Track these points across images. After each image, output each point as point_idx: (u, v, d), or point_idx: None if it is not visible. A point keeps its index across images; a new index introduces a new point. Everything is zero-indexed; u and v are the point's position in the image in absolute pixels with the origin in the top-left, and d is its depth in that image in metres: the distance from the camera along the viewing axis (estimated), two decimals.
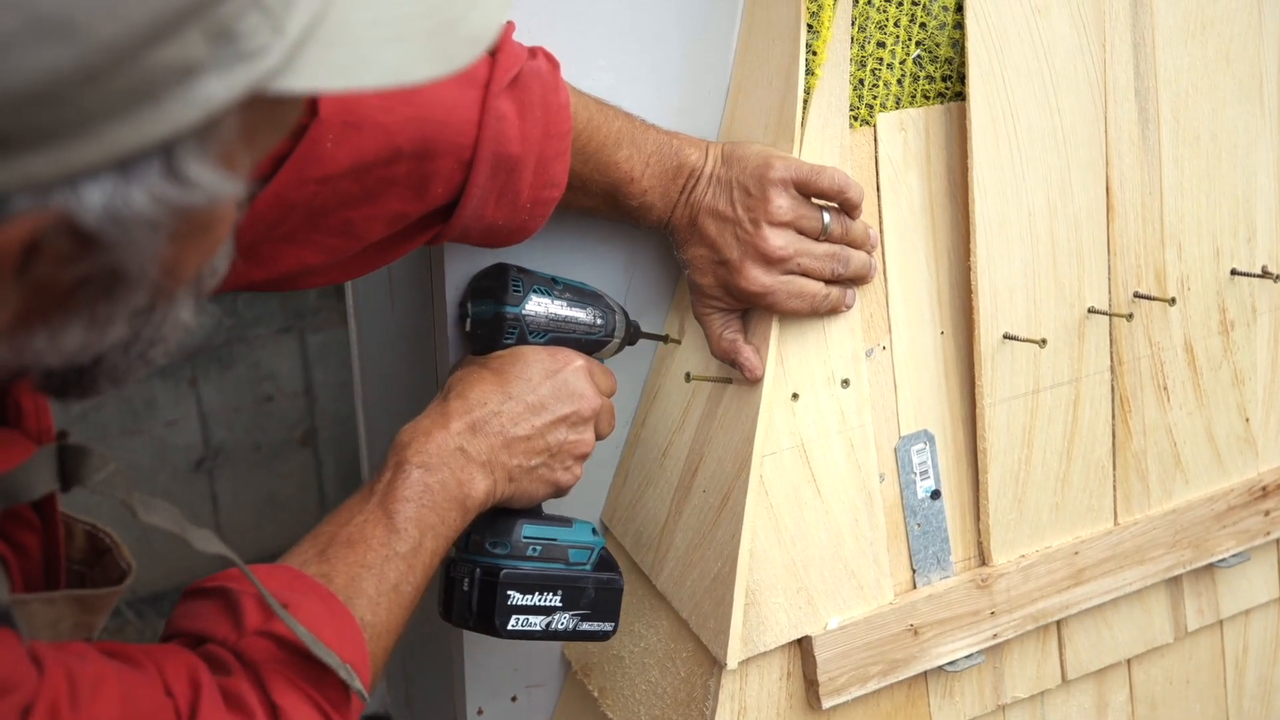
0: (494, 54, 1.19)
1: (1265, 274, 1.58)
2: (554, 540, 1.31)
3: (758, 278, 1.31)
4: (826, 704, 1.41)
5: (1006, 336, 1.45)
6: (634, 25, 1.35)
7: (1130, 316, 1.49)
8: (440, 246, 1.34)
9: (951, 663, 1.49)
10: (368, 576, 1.12)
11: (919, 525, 1.47)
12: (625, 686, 1.51)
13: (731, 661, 1.36)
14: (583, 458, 1.31)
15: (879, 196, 1.41)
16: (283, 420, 2.74)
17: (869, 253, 1.38)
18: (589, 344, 1.33)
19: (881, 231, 1.41)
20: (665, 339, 1.45)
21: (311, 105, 1.09)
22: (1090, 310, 1.49)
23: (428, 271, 1.42)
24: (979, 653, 1.50)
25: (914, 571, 1.47)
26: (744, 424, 1.36)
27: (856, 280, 1.37)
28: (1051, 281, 1.47)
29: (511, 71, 1.18)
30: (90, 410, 2.47)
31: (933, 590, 1.46)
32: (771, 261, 1.30)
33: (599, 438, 1.33)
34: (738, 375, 1.37)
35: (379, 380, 1.63)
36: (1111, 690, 1.65)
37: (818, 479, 1.39)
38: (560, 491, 1.31)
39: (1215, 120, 1.54)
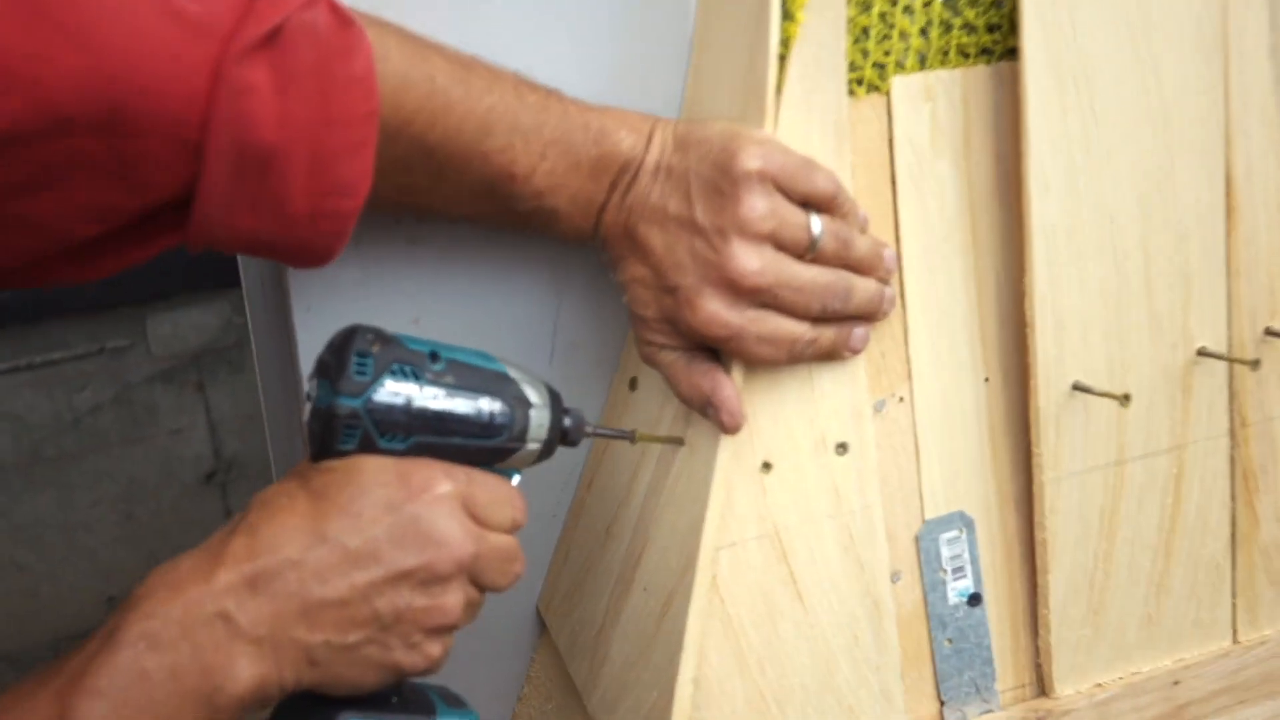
0: None
1: None
2: None
3: (718, 314, 0.93)
4: None
5: (1077, 388, 1.05)
6: None
7: (1257, 364, 1.08)
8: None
9: None
10: None
11: (950, 641, 1.08)
12: None
13: None
14: (441, 631, 0.87)
15: (894, 194, 1.02)
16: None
17: (883, 280, 1.00)
18: (482, 453, 0.89)
19: (899, 241, 1.02)
20: (629, 437, 1.00)
21: None
22: (1201, 353, 1.08)
23: (277, 286, 1.07)
24: None
25: (942, 704, 1.08)
26: (693, 504, 0.99)
27: (861, 316, 0.99)
28: (1144, 313, 1.06)
29: (268, 24, 0.80)
30: (85, 416, 2.20)
31: None
32: (740, 291, 0.93)
33: (489, 589, 0.89)
34: (697, 431, 1.00)
35: (283, 409, 1.30)
36: None
37: (799, 580, 1.01)
38: (404, 675, 0.87)
39: None
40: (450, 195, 0.95)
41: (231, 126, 0.80)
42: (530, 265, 1.08)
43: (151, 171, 0.80)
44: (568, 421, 0.92)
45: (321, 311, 1.02)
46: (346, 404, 0.84)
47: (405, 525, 0.84)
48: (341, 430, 0.85)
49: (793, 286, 0.94)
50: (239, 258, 1.25)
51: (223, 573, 0.81)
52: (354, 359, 0.85)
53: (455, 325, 1.06)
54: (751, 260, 0.92)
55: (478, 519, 0.87)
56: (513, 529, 0.89)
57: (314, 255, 0.89)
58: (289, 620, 0.82)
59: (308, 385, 0.87)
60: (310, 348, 1.03)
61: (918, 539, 1.06)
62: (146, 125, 0.78)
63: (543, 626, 1.19)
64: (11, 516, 2.41)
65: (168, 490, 2.35)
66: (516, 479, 0.91)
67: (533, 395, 0.90)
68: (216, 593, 0.80)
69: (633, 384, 1.09)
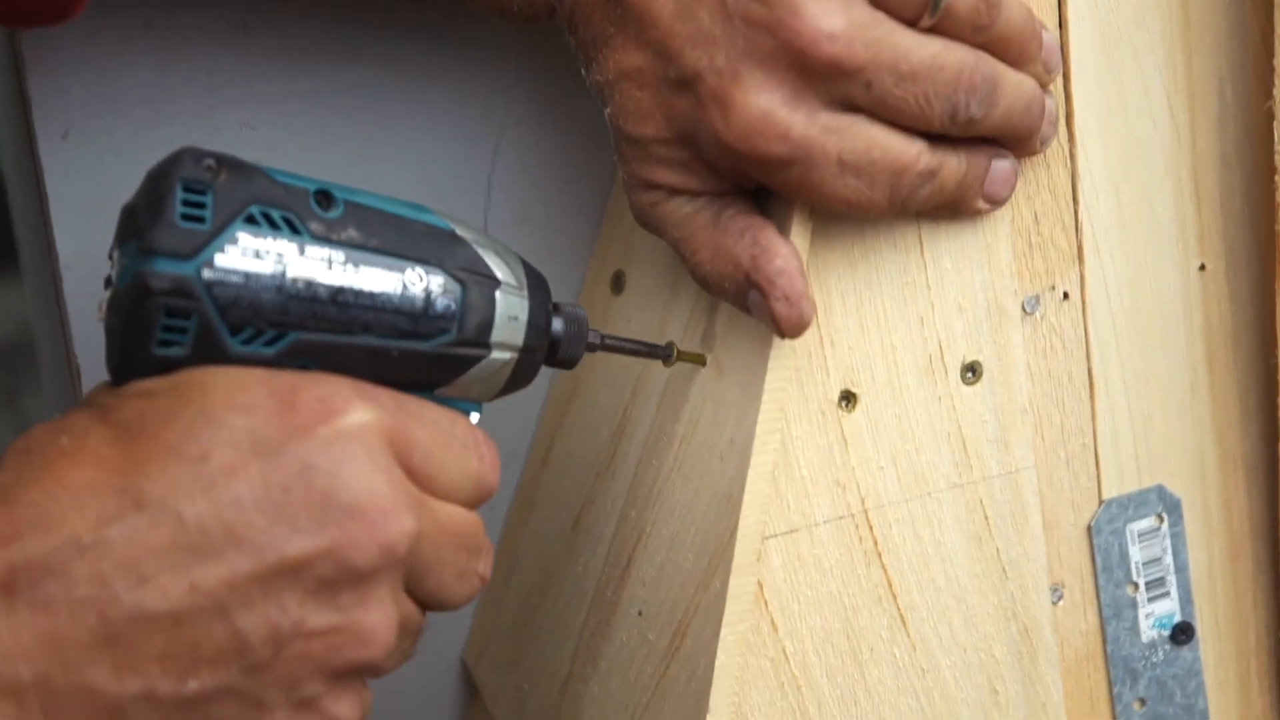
0: None
1: None
2: None
3: (771, 115, 0.56)
4: None
5: None
6: None
7: None
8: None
9: None
10: None
11: (1143, 702, 0.71)
12: None
13: None
14: (355, 673, 0.52)
15: None
16: None
17: (1043, 82, 0.63)
18: (413, 364, 0.54)
19: (1063, 26, 0.65)
20: (663, 354, 0.64)
21: None
22: None
23: (20, 116, 0.68)
24: None
25: None
26: (721, 465, 0.63)
27: (1007, 136, 0.62)
28: None
29: None
30: None
31: None
32: (811, 72, 0.56)
33: (433, 604, 0.54)
34: (729, 345, 0.64)
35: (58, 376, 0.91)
36: None
37: (901, 594, 0.66)
38: None
39: None
40: None
41: None
42: (449, 75, 0.72)
43: None
44: (559, 324, 0.57)
45: (91, 144, 0.63)
46: (169, 270, 0.48)
47: (290, 480, 0.50)
48: (160, 319, 0.49)
49: (900, 70, 0.57)
50: None
51: None
52: (180, 195, 0.49)
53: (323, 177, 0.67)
54: (831, 16, 0.56)
55: (416, 474, 0.53)
56: (476, 498, 0.55)
57: None
58: (77, 651, 0.48)
59: (111, 258, 0.52)
60: (75, 217, 0.63)
61: (1091, 530, 0.68)
62: None
63: (470, 686, 0.83)
64: None
65: None
66: (475, 416, 0.57)
67: (498, 269, 0.54)
68: None
69: (617, 280, 0.73)
